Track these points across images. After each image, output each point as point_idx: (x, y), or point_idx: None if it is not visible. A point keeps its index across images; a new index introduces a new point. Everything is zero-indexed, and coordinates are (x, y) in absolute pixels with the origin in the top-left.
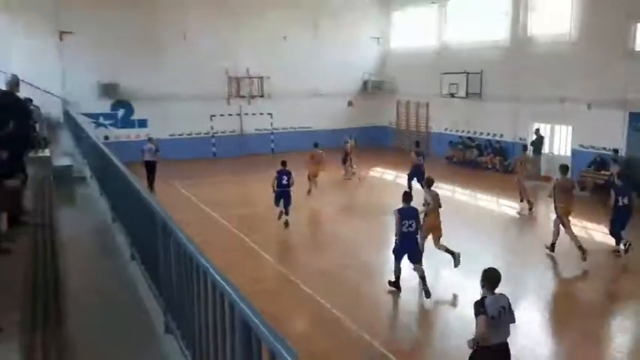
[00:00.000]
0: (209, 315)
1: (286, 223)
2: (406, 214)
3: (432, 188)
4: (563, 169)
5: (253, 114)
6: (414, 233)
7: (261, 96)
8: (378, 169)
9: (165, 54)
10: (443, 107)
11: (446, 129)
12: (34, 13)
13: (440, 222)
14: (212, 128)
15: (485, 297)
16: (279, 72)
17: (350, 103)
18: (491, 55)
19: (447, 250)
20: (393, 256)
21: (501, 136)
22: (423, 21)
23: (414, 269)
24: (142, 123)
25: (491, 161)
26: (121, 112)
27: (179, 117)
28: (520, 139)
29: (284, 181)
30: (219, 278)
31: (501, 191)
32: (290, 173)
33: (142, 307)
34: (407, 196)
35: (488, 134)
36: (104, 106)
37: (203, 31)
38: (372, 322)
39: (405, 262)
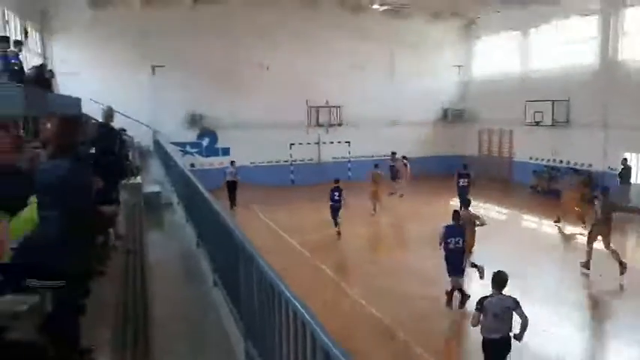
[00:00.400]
0: (290, 343)
1: (339, 234)
2: (453, 231)
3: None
4: None
5: (331, 142)
6: (460, 250)
7: (339, 125)
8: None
9: (248, 85)
10: (527, 135)
11: (530, 157)
12: (129, 48)
13: (474, 240)
14: (291, 156)
15: (487, 297)
16: (357, 101)
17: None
18: (578, 81)
19: (473, 265)
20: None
21: (590, 165)
22: (505, 48)
23: (451, 281)
24: (226, 151)
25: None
26: (206, 141)
27: (260, 145)
28: (610, 168)
29: (335, 197)
30: (299, 307)
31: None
32: (341, 190)
33: (223, 334)
34: (455, 215)
35: (576, 163)
36: (191, 135)
37: (284, 63)
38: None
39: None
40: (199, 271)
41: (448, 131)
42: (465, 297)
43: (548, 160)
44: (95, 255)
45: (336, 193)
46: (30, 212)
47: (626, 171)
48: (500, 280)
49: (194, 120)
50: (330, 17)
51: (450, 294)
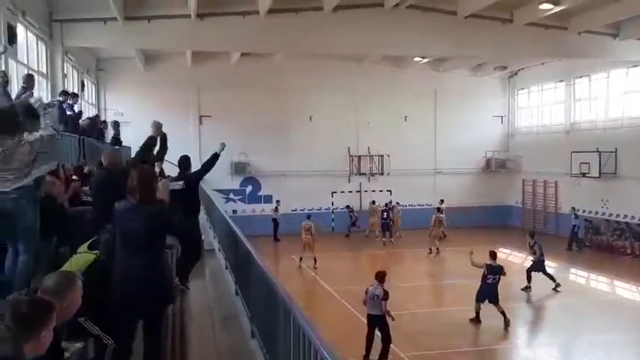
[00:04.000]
0: None
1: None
2: (493, 270)
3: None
4: None
5: (373, 191)
6: (495, 284)
7: (381, 174)
8: (505, 250)
9: (292, 134)
10: (572, 187)
11: (575, 209)
12: (178, 100)
13: None
14: (332, 204)
15: None
16: (399, 150)
17: None
18: (627, 133)
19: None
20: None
21: None
22: (550, 100)
23: (496, 308)
24: (268, 199)
25: (631, 246)
26: (249, 189)
27: (302, 193)
28: None
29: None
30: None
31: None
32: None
33: None
34: (493, 254)
35: (625, 216)
36: (235, 182)
37: (327, 113)
38: None
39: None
40: (237, 319)
41: (491, 181)
42: (505, 315)
43: (596, 213)
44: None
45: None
46: (85, 258)
47: None
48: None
49: (238, 168)
50: (372, 70)
51: (476, 318)
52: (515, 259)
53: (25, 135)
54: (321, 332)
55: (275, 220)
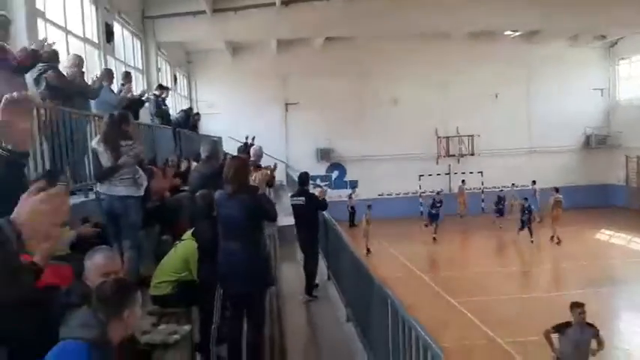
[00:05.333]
0: None
1: None
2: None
3: None
4: None
5: (462, 173)
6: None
7: (472, 154)
8: (607, 231)
9: (377, 118)
10: None
11: None
12: (265, 88)
13: None
14: (420, 187)
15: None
16: (490, 129)
17: None
18: None
19: None
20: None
21: None
22: None
23: None
24: (353, 184)
25: None
26: (335, 174)
27: (388, 177)
28: None
29: None
30: (430, 341)
31: None
32: None
33: None
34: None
35: None
36: (321, 168)
37: (413, 95)
38: None
39: None
40: (330, 304)
41: (591, 158)
42: None
43: None
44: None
45: None
46: (189, 245)
47: None
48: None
49: (324, 154)
50: (460, 47)
51: None
52: (619, 240)
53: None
54: (417, 319)
55: (352, 208)
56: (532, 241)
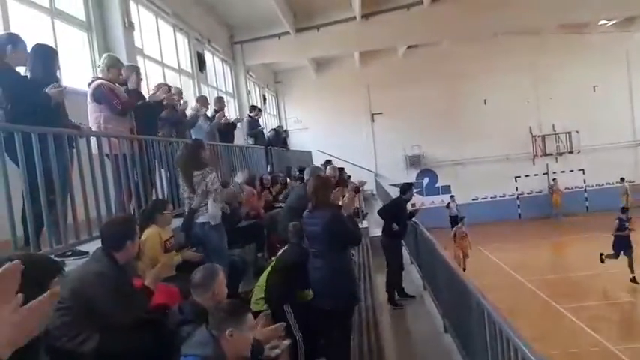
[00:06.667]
0: None
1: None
2: None
3: None
4: None
5: (562, 172)
6: None
7: (570, 152)
8: None
9: (466, 121)
10: None
11: None
12: (350, 101)
13: None
14: (517, 189)
15: None
16: (588, 124)
17: None
18: None
19: None
20: None
21: None
22: None
23: None
24: (446, 189)
25: None
26: (426, 181)
27: (481, 181)
28: None
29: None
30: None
31: None
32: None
33: None
34: None
35: None
36: (411, 176)
37: (502, 94)
38: None
39: None
40: (427, 313)
41: None
42: None
43: None
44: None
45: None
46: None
47: None
48: None
49: (413, 161)
50: (550, 41)
51: None
52: None
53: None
54: (519, 327)
55: (454, 218)
56: None
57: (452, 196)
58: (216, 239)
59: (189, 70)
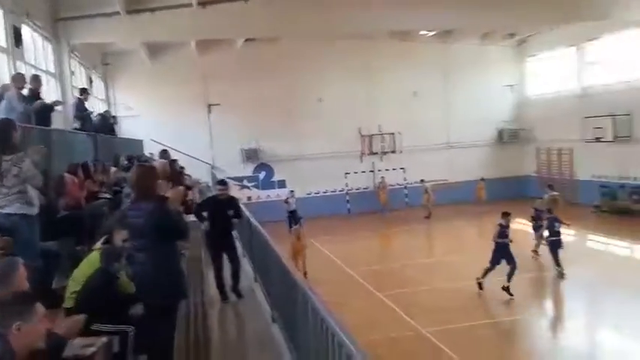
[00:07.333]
0: None
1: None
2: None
3: None
4: None
5: (386, 170)
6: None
7: (393, 152)
8: (522, 220)
9: (302, 117)
10: (587, 153)
11: (593, 176)
12: (186, 90)
13: None
14: (347, 185)
15: None
16: (410, 127)
17: None
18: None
19: None
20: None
21: None
22: (561, 65)
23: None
24: (282, 183)
25: None
26: (262, 175)
27: (315, 176)
28: None
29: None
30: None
31: None
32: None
33: None
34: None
35: None
36: (248, 169)
37: (336, 94)
38: None
39: None
40: (257, 305)
41: (504, 152)
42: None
43: (613, 178)
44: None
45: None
46: (94, 257)
47: None
48: None
49: (250, 155)
50: (380, 47)
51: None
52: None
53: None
54: (346, 316)
55: (293, 212)
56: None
57: (291, 191)
58: (26, 231)
59: (4, 44)
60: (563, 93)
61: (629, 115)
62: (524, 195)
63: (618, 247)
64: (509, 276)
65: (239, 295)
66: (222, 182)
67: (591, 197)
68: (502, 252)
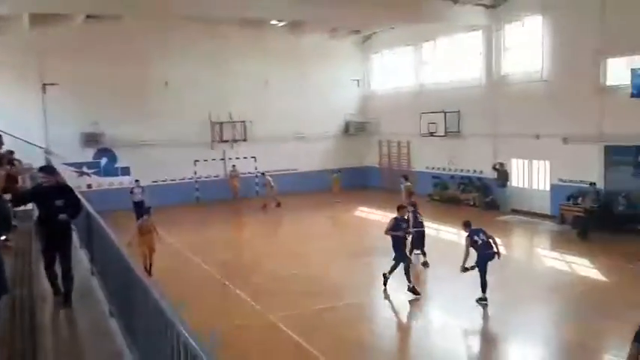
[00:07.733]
0: None
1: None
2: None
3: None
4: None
5: (237, 158)
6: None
7: (244, 140)
8: (365, 208)
9: (148, 102)
10: (423, 146)
11: (427, 167)
12: (16, 67)
13: None
14: (195, 173)
15: None
16: (262, 116)
17: None
18: (467, 94)
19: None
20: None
21: (481, 172)
22: (400, 63)
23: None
24: (126, 171)
25: (473, 198)
26: (104, 161)
27: (162, 163)
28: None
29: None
30: (187, 335)
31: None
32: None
33: None
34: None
35: (469, 171)
36: (87, 154)
37: (185, 79)
38: None
39: None
40: (93, 298)
41: (350, 144)
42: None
43: (444, 169)
44: None
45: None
46: None
47: (501, 175)
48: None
49: (90, 139)
50: (231, 34)
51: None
52: (375, 216)
53: None
54: (193, 306)
55: (138, 204)
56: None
57: (137, 181)
58: None
59: None
60: (403, 89)
61: (457, 112)
62: (369, 185)
63: (449, 233)
64: (392, 269)
65: (67, 301)
66: (46, 169)
67: (426, 188)
68: (397, 245)
